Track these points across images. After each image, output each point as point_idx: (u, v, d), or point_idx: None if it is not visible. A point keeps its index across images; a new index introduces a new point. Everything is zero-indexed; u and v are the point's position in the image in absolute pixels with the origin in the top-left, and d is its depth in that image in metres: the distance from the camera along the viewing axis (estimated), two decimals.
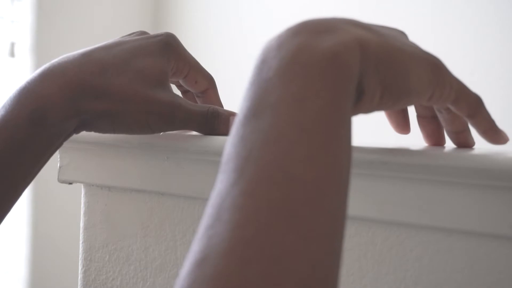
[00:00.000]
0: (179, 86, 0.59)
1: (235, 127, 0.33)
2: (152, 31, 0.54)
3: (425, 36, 1.90)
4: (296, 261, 0.28)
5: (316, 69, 0.33)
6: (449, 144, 0.48)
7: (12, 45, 2.11)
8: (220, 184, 0.31)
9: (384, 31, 0.38)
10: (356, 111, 0.37)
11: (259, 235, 0.28)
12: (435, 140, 0.48)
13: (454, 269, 0.43)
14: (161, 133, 0.54)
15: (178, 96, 0.52)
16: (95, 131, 0.51)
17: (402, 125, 0.47)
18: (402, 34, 0.41)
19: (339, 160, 0.32)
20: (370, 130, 1.17)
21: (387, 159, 0.43)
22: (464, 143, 0.46)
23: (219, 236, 0.29)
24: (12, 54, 2.11)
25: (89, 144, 0.58)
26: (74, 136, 0.53)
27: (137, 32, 0.54)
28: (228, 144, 0.33)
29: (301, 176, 0.30)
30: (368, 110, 0.37)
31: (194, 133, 0.54)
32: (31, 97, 0.48)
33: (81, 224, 0.61)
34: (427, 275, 0.44)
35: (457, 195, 0.42)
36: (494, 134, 0.44)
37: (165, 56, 0.52)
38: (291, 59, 0.33)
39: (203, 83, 0.57)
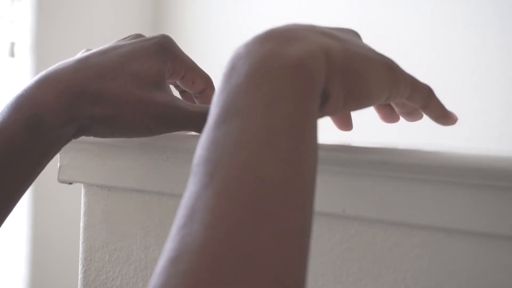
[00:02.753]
0: (176, 87, 0.59)
1: (206, 132, 0.34)
2: (152, 32, 0.54)
3: (425, 37, 1.90)
4: (268, 256, 0.29)
5: (284, 75, 0.34)
6: (448, 144, 0.48)
7: (12, 45, 2.11)
8: (192, 187, 0.32)
9: (345, 37, 0.40)
10: (322, 114, 0.39)
11: (231, 234, 0.29)
12: (390, 120, 0.51)
13: (454, 269, 0.43)
14: None
15: (176, 97, 0.52)
16: (94, 136, 0.51)
17: (346, 124, 0.50)
18: (357, 35, 0.44)
19: (307, 161, 0.33)
20: (370, 130, 1.17)
21: (387, 159, 0.43)
22: (414, 119, 0.50)
23: (192, 235, 0.30)
24: (12, 54, 2.11)
25: (89, 144, 0.58)
26: None
27: (132, 35, 0.54)
28: (199, 148, 0.34)
29: (271, 177, 0.31)
30: (333, 112, 0.39)
31: (194, 133, 0.54)
32: (28, 104, 0.48)
33: (81, 224, 0.61)
34: (427, 275, 0.44)
35: (457, 195, 0.42)
36: (445, 118, 0.47)
37: (161, 58, 0.52)
38: (260, 66, 0.35)
39: (201, 83, 0.57)
